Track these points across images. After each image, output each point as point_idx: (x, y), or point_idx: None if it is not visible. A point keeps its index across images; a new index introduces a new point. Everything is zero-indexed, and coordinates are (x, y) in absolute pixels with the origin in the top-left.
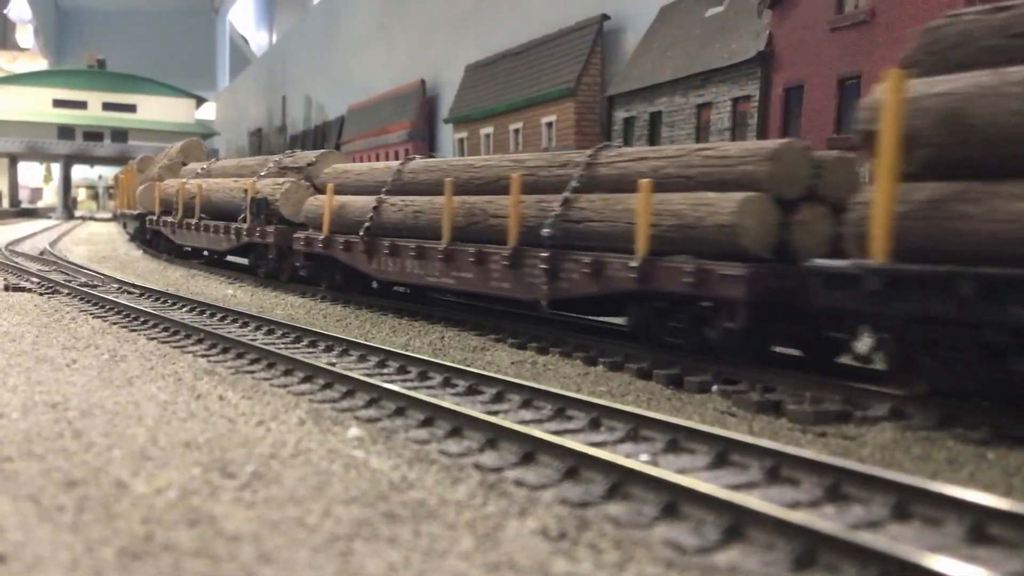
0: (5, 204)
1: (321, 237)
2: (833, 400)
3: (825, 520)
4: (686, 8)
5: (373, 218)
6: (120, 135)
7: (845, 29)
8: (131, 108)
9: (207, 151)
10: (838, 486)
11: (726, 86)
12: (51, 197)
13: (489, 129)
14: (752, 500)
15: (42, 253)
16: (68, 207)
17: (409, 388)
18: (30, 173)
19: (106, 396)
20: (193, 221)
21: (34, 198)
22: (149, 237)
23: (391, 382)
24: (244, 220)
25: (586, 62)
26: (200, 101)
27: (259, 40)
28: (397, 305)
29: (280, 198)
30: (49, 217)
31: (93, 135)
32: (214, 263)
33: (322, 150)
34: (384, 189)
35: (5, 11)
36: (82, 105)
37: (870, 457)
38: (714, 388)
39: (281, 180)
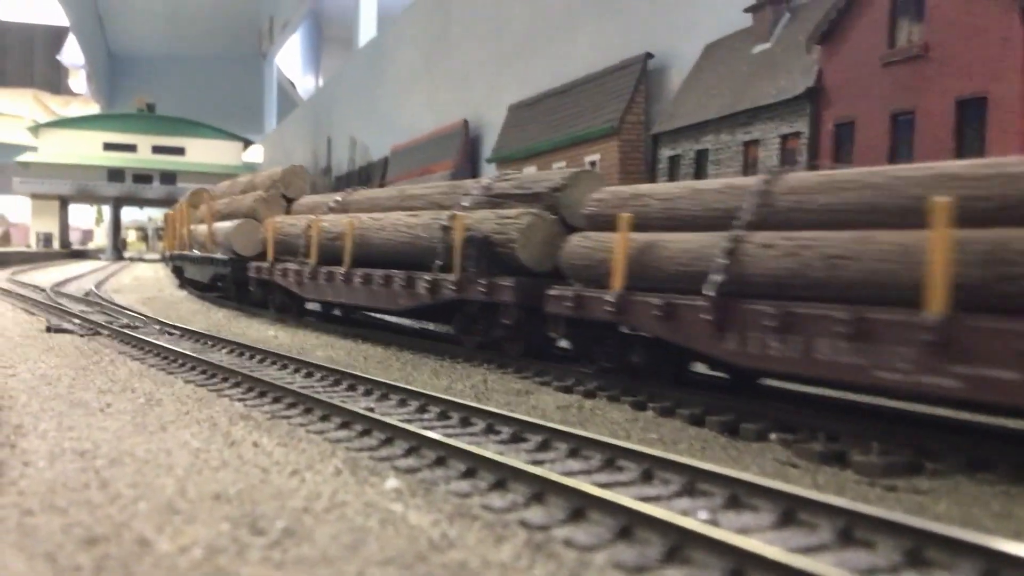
0: (56, 246)
1: (609, 296)
2: (903, 451)
3: None
4: (732, 45)
5: (729, 268)
6: (169, 177)
7: (898, 64)
8: (180, 151)
9: (311, 181)
10: (919, 550)
11: (774, 123)
12: (102, 239)
13: (532, 168)
14: (826, 568)
15: (87, 295)
16: (118, 248)
17: (450, 436)
18: (82, 215)
19: (137, 443)
20: (340, 271)
21: (85, 239)
22: (252, 289)
23: (431, 428)
24: (442, 268)
25: (630, 100)
26: (247, 144)
27: (306, 84)
28: (438, 347)
29: (518, 237)
30: (99, 258)
31: (142, 178)
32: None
33: (573, 169)
34: (742, 222)
35: (58, 56)
36: (132, 148)
37: (946, 515)
38: (772, 436)
39: (512, 212)
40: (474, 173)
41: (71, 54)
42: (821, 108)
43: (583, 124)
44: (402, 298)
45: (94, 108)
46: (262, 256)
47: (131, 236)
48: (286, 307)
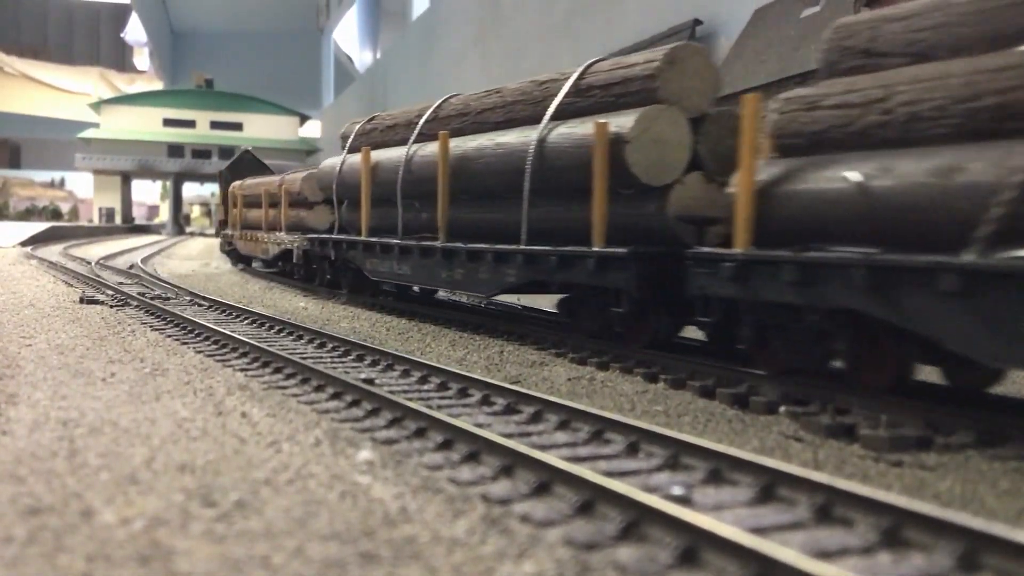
0: (118, 220)
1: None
2: (913, 425)
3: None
4: (781, 10)
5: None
6: (227, 153)
7: None
8: (237, 126)
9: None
10: (898, 529)
11: None
12: (166, 214)
13: None
14: (779, 549)
15: (131, 267)
16: (179, 223)
17: (441, 407)
18: (148, 191)
19: (125, 412)
20: None
21: (151, 215)
22: None
23: (427, 399)
24: None
25: None
26: (304, 118)
27: (363, 58)
28: (461, 317)
29: None
30: (159, 233)
31: (201, 153)
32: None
33: None
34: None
35: (122, 35)
36: (191, 124)
37: (948, 492)
38: (782, 409)
39: None
40: None
41: (135, 32)
42: None
43: None
44: None
45: (158, 85)
46: None
47: (195, 211)
48: None
